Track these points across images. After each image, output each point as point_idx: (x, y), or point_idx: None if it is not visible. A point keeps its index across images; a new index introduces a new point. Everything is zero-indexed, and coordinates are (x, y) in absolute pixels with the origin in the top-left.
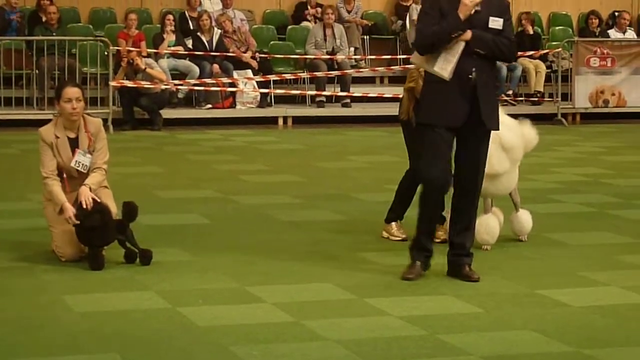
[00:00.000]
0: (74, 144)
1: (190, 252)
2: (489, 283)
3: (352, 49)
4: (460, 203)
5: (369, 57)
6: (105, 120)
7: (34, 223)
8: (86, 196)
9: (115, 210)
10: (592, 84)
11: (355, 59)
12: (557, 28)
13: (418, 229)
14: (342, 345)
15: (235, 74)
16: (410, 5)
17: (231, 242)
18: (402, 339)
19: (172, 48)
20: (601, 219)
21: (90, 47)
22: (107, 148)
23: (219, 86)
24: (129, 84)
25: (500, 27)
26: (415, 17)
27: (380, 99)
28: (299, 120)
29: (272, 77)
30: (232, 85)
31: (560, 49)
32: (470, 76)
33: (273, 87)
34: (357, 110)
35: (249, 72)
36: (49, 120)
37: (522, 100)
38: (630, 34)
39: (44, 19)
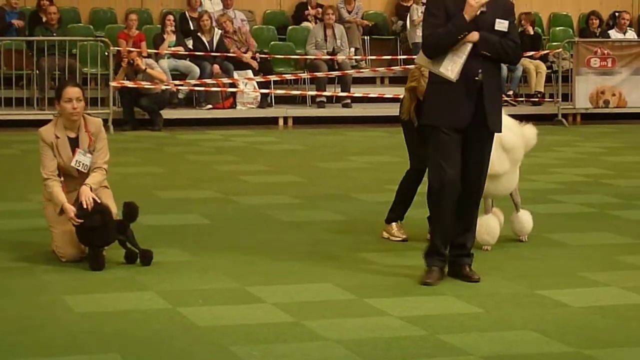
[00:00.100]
0: (74, 143)
1: (191, 253)
2: (489, 283)
3: (352, 49)
4: (463, 204)
5: (370, 57)
6: (105, 121)
7: (34, 223)
8: (87, 196)
9: (115, 210)
10: (592, 84)
11: (355, 59)
12: (557, 28)
13: (432, 235)
14: (342, 345)
15: (235, 75)
16: (411, 5)
17: (231, 243)
18: (402, 339)
19: (173, 48)
20: (601, 219)
21: (90, 47)
22: (107, 148)
23: (219, 86)
24: (129, 84)
25: (506, 29)
26: (415, 17)
27: (380, 100)
28: (299, 121)
29: (273, 78)
30: (233, 85)
31: (560, 50)
32: (476, 78)
33: (273, 88)
34: (357, 110)
35: (250, 73)
36: (49, 121)
37: (522, 101)
38: (631, 35)
39: (44, 19)
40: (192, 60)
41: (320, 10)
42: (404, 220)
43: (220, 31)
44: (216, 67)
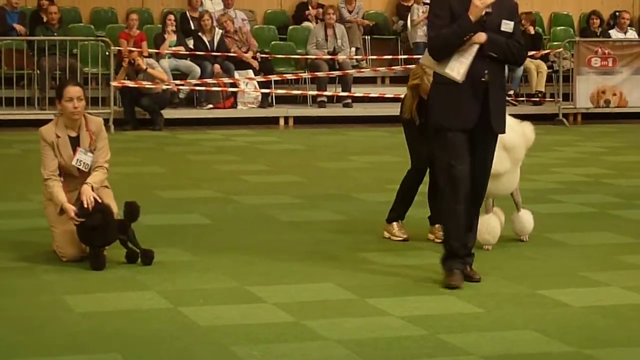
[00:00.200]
0: (75, 142)
1: (191, 252)
2: (490, 283)
3: (353, 49)
4: (465, 204)
5: (370, 57)
6: (106, 121)
7: (35, 223)
8: (88, 195)
9: (116, 210)
10: (593, 84)
11: (356, 59)
12: (558, 28)
13: (448, 237)
14: (343, 345)
15: (236, 74)
16: (412, 5)
17: (232, 242)
18: (402, 339)
19: (173, 48)
20: (602, 219)
21: (91, 47)
22: (108, 147)
23: (220, 86)
24: (130, 84)
25: (511, 30)
26: (415, 17)
27: (381, 99)
28: (300, 121)
29: (273, 77)
30: (233, 85)
31: (561, 49)
32: (483, 79)
33: (274, 87)
34: (358, 110)
35: (250, 72)
36: (50, 121)
37: (523, 101)
38: (632, 34)
39: (45, 19)
40: (192, 60)
41: (321, 10)
42: (405, 220)
43: (221, 31)
44: (217, 66)
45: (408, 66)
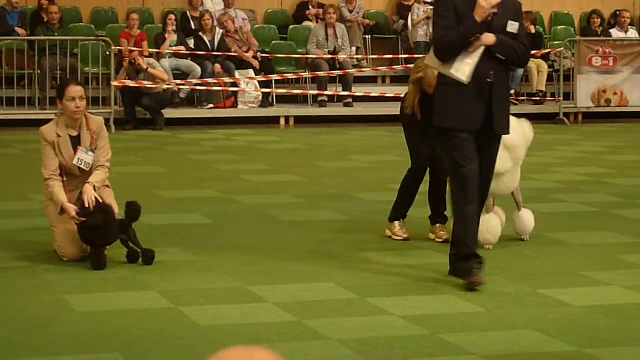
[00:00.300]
0: (76, 142)
1: (192, 252)
2: (490, 283)
3: (354, 48)
4: None
5: (371, 56)
6: (107, 120)
7: (36, 223)
8: (89, 195)
9: (117, 209)
10: (594, 83)
11: (357, 58)
12: (559, 27)
13: (463, 239)
14: (344, 344)
15: (237, 74)
16: (413, 4)
17: (233, 242)
18: (404, 338)
19: (174, 48)
20: (603, 218)
21: (92, 47)
22: (109, 146)
23: (220, 86)
24: (131, 83)
25: (517, 31)
26: (416, 16)
27: (382, 99)
28: (300, 120)
29: (274, 77)
30: (234, 85)
31: (562, 49)
32: (488, 80)
33: (275, 87)
34: (359, 110)
35: (251, 72)
36: (51, 120)
37: (524, 100)
38: (632, 33)
39: (45, 19)
40: (193, 60)
41: (321, 9)
42: (407, 219)
43: (221, 30)
44: (218, 66)
45: (409, 66)
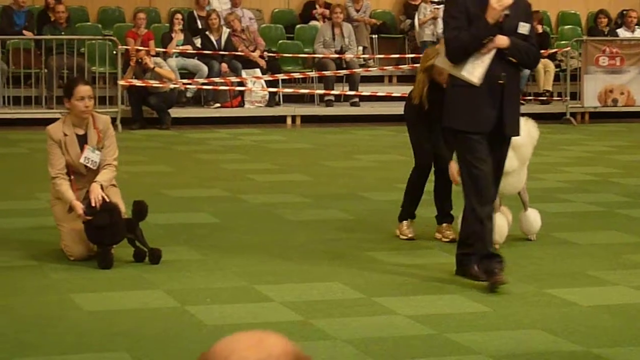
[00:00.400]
0: (82, 140)
1: (199, 251)
2: None
3: (360, 48)
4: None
5: (378, 56)
6: (113, 119)
7: (43, 222)
8: (96, 194)
9: (123, 209)
10: (601, 83)
11: (363, 58)
12: (565, 27)
13: (481, 242)
14: (351, 344)
15: (243, 73)
16: (419, 4)
17: (239, 241)
18: (410, 338)
19: (181, 47)
20: (610, 218)
21: (98, 46)
22: (116, 145)
23: (227, 85)
24: (137, 83)
25: (527, 33)
26: (423, 16)
27: (388, 98)
28: (307, 120)
29: (281, 76)
30: (241, 84)
31: (569, 48)
32: (500, 82)
33: (281, 86)
34: (365, 109)
35: (258, 71)
36: (57, 119)
37: (530, 100)
38: (639, 33)
39: (52, 18)
40: (200, 59)
41: (327, 9)
42: (415, 219)
43: (228, 30)
44: (224, 65)
45: (415, 65)
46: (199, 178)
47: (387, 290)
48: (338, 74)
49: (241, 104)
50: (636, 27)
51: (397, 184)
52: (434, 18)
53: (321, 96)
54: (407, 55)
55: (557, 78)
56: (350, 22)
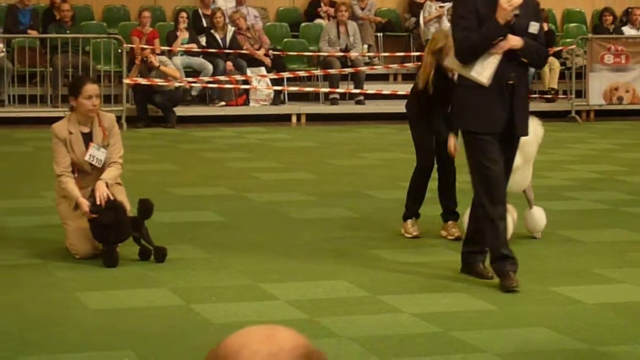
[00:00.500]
0: (87, 138)
1: (204, 250)
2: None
3: (365, 46)
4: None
5: (383, 54)
6: (119, 118)
7: (48, 220)
8: (102, 191)
9: (129, 207)
10: (606, 80)
11: (368, 56)
12: (571, 25)
13: (496, 242)
14: (356, 342)
15: (248, 72)
16: (424, 2)
17: (245, 240)
18: (415, 336)
19: (186, 45)
20: (615, 216)
21: (103, 44)
22: (121, 143)
23: (232, 83)
24: (142, 81)
25: (537, 32)
26: (428, 14)
27: (393, 96)
28: (312, 118)
29: (286, 75)
30: (246, 82)
31: (574, 46)
32: (510, 82)
33: (286, 85)
34: (370, 107)
35: (263, 70)
36: (62, 118)
37: (536, 98)
38: None
39: (57, 16)
40: (205, 58)
41: (332, 8)
42: (420, 218)
43: (233, 28)
44: (229, 64)
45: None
46: (204, 176)
47: (392, 288)
48: (343, 72)
49: (246, 102)
50: None
51: (401, 182)
52: (439, 16)
53: (326, 94)
54: (412, 54)
55: (562, 76)
56: (355, 20)
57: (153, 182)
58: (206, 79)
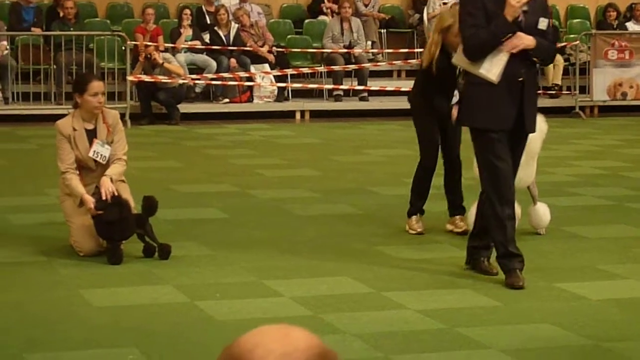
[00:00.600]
0: (91, 135)
1: (208, 246)
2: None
3: (369, 42)
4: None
5: (386, 50)
6: (122, 115)
7: (52, 217)
8: (107, 187)
9: (133, 204)
10: (610, 76)
11: (372, 52)
12: (574, 21)
13: (502, 240)
14: (360, 338)
15: (252, 68)
16: None
17: (249, 236)
18: (420, 332)
19: (190, 42)
20: (619, 211)
21: (107, 42)
22: (125, 139)
23: (236, 80)
24: (146, 78)
25: (546, 28)
26: (431, 10)
27: (397, 93)
28: (316, 114)
29: (289, 71)
30: (250, 79)
31: (578, 42)
32: (520, 79)
33: (290, 81)
34: (374, 104)
35: (266, 66)
36: (66, 115)
37: (540, 94)
38: None
39: (61, 14)
40: (209, 54)
41: (336, 4)
42: (424, 214)
43: (237, 25)
44: (233, 61)
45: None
46: (208, 173)
47: (397, 284)
48: (347, 69)
49: (250, 99)
50: None
51: (406, 179)
52: None
53: (330, 91)
54: (415, 50)
55: (566, 72)
56: (359, 16)
57: (157, 179)
58: (210, 75)
